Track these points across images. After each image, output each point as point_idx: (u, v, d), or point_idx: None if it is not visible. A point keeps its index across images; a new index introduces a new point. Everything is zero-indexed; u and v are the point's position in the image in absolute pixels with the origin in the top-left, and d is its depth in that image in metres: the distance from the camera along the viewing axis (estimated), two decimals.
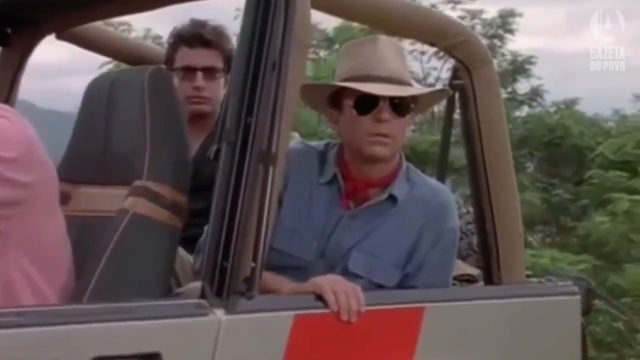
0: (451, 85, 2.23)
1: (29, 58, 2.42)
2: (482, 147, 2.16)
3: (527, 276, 2.32)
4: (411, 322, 1.90)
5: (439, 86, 6.75)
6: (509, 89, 10.44)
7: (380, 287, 2.01)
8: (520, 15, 10.74)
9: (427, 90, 2.25)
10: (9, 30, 2.30)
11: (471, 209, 2.41)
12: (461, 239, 2.33)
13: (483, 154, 2.16)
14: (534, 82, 10.77)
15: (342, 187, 2.05)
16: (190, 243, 1.97)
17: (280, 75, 1.66)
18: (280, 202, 1.96)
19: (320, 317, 1.75)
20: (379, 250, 2.02)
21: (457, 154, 4.80)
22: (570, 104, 10.54)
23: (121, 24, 9.61)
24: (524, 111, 10.74)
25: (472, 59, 2.15)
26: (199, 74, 2.41)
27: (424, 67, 10.67)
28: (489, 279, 2.21)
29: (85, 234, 1.80)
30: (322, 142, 2.16)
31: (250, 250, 1.63)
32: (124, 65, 2.80)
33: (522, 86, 10.76)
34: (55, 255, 1.68)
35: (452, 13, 9.32)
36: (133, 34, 9.54)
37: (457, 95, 2.23)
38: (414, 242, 2.04)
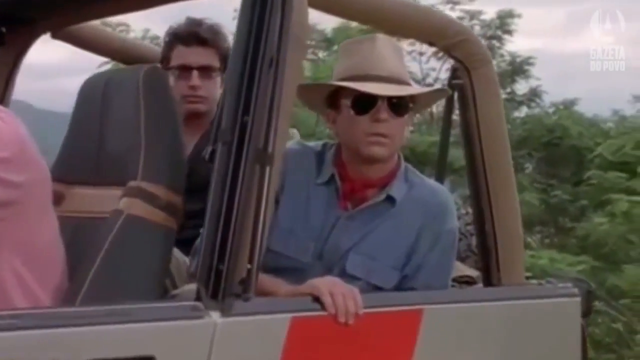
0: (450, 85, 2.21)
1: (24, 57, 2.40)
2: (481, 147, 2.14)
3: (527, 278, 2.31)
4: (409, 325, 1.88)
5: (437, 86, 6.74)
6: (508, 90, 10.46)
7: (378, 289, 2.00)
8: (519, 16, 10.78)
9: (426, 89, 2.23)
10: (3, 29, 2.28)
11: (470, 210, 2.39)
12: (460, 240, 2.31)
13: (482, 154, 2.14)
14: (533, 82, 10.81)
15: (340, 188, 2.04)
16: (185, 245, 1.95)
17: (277, 74, 1.64)
18: (277, 203, 1.95)
19: (318, 319, 1.73)
20: (377, 251, 2.01)
21: (456, 154, 4.79)
22: (569, 104, 10.56)
23: (119, 24, 9.62)
24: (522, 112, 10.78)
25: (472, 59, 2.13)
26: (195, 73, 2.40)
27: (422, 68, 10.69)
28: (488, 281, 2.19)
29: (79, 234, 1.79)
30: (320, 142, 2.15)
31: (246, 251, 1.61)
32: (122, 66, 2.78)
33: (521, 87, 10.80)
34: (48, 256, 1.67)
35: (451, 14, 9.31)
36: (131, 35, 9.54)
37: (456, 95, 2.21)
38: (413, 243, 2.02)
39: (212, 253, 1.61)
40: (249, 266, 1.61)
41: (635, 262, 6.45)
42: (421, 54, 10.47)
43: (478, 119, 2.14)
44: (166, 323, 1.55)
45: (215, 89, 2.43)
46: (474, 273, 2.36)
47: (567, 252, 7.35)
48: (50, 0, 2.15)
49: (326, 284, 1.76)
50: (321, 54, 10.70)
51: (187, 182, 1.84)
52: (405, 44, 9.12)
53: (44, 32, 2.32)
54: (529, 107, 10.81)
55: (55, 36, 2.38)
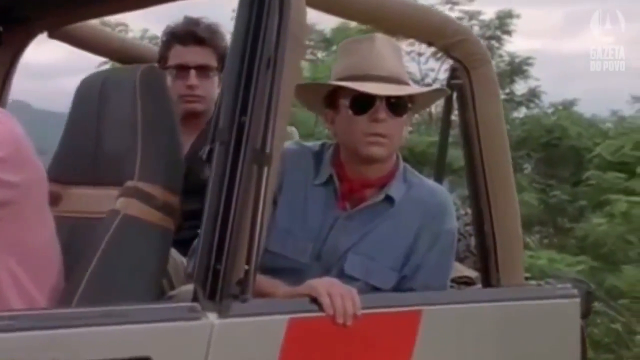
0: (449, 85, 2.20)
1: (21, 57, 2.39)
2: (480, 147, 2.13)
3: (526, 278, 2.30)
4: (408, 326, 1.87)
5: (436, 86, 6.74)
6: (507, 90, 10.47)
7: (376, 289, 1.99)
8: (518, 16, 10.79)
9: (425, 89, 2.22)
10: (0, 29, 2.27)
11: (469, 210, 2.39)
12: (459, 240, 2.31)
13: (481, 154, 2.13)
14: (532, 83, 10.82)
15: (338, 188, 2.03)
16: (183, 245, 1.94)
17: (275, 73, 1.63)
18: (274, 204, 1.94)
19: (316, 320, 1.72)
20: (376, 252, 2.00)
21: (455, 155, 4.78)
22: (568, 105, 10.57)
23: (118, 24, 9.62)
24: (521, 112, 10.79)
25: (471, 59, 2.12)
26: (192, 72, 2.38)
27: (421, 69, 10.70)
28: (487, 282, 2.18)
29: (75, 235, 1.78)
30: (318, 143, 2.14)
31: (243, 252, 1.60)
32: (120, 66, 2.77)
33: (520, 87, 10.81)
34: (44, 256, 1.66)
35: (450, 14, 9.31)
36: (130, 35, 9.53)
37: (455, 95, 2.20)
38: (411, 244, 2.02)
39: (209, 254, 1.60)
40: (246, 267, 1.60)
41: (634, 263, 6.45)
42: (420, 54, 10.48)
43: (477, 119, 2.13)
44: (163, 324, 1.53)
45: (212, 88, 2.42)
46: (472, 274, 2.36)
47: (566, 252, 7.35)
48: None
49: (324, 285, 1.75)
50: (320, 54, 10.71)
51: (184, 182, 1.83)
52: (404, 45, 9.12)
53: (41, 31, 2.31)
54: (527, 107, 10.83)
55: (52, 35, 2.36)
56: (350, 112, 1.98)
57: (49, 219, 1.68)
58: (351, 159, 2.02)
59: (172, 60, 2.41)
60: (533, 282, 2.34)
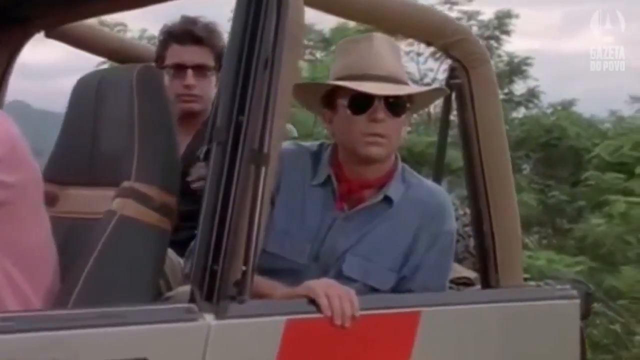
0: (448, 84, 2.19)
1: (17, 57, 2.38)
2: (479, 147, 2.12)
3: (525, 279, 2.29)
4: (407, 327, 1.86)
5: (435, 86, 6.72)
6: (506, 90, 10.48)
7: (375, 290, 1.98)
8: (517, 16, 10.79)
9: (424, 89, 2.21)
10: None
11: (468, 211, 2.38)
12: (458, 241, 2.30)
13: (480, 154, 2.12)
14: (531, 83, 10.83)
15: (336, 189, 2.02)
16: (180, 246, 1.93)
17: (273, 73, 1.62)
18: (272, 204, 1.93)
19: (313, 322, 1.71)
20: (374, 253, 1.99)
21: (454, 155, 4.78)
22: (567, 105, 10.58)
23: (117, 24, 9.61)
24: (520, 113, 10.79)
25: (470, 58, 2.11)
26: (190, 72, 2.38)
27: (420, 69, 10.71)
28: (486, 282, 2.17)
29: (72, 236, 1.76)
30: (316, 143, 2.13)
31: (241, 253, 1.59)
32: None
33: (519, 87, 10.82)
34: (40, 257, 1.65)
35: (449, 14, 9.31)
36: (128, 35, 9.53)
37: (454, 95, 2.19)
38: (410, 244, 2.01)
39: (206, 254, 1.59)
40: (244, 268, 1.59)
41: (633, 263, 6.44)
42: (419, 54, 10.49)
43: (476, 119, 2.12)
44: (160, 325, 1.52)
45: (210, 88, 2.41)
46: (471, 274, 2.35)
47: (565, 253, 7.35)
48: None
49: (322, 286, 1.74)
50: (319, 54, 10.72)
51: (180, 182, 1.82)
52: (403, 45, 9.12)
53: (38, 31, 2.30)
54: (526, 107, 10.85)
55: (49, 35, 2.35)
56: (348, 111, 1.97)
57: (45, 220, 1.67)
58: (349, 159, 2.01)
59: (170, 60, 2.40)
60: (532, 283, 2.33)
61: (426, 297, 1.98)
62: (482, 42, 2.41)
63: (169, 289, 1.90)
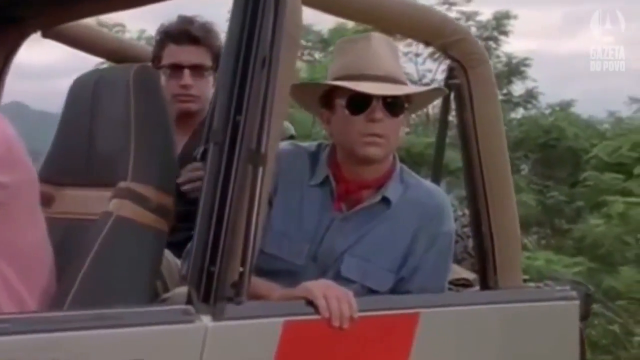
0: (447, 84, 2.18)
1: (14, 57, 2.37)
2: (478, 147, 2.12)
3: (524, 280, 2.28)
4: (405, 329, 1.86)
5: (434, 86, 6.72)
6: (504, 91, 10.48)
7: (373, 292, 1.97)
8: (515, 17, 10.79)
9: (422, 89, 2.20)
10: None
11: (467, 211, 2.37)
12: (456, 242, 2.29)
13: (479, 154, 2.12)
14: (529, 84, 10.83)
15: (334, 189, 2.01)
16: (178, 247, 1.92)
17: (271, 72, 1.61)
18: (270, 205, 1.92)
19: (311, 323, 1.70)
20: (373, 254, 1.98)
21: (452, 156, 4.77)
22: (565, 106, 10.58)
23: (115, 25, 9.60)
24: (519, 113, 10.79)
25: (469, 58, 2.11)
26: (187, 72, 2.37)
27: (418, 69, 10.69)
28: (485, 284, 2.17)
29: (68, 236, 1.76)
30: (314, 143, 2.12)
31: (238, 254, 1.58)
32: None
33: (517, 88, 10.82)
34: (35, 258, 1.64)
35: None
36: (127, 35, 9.52)
37: (452, 95, 2.18)
38: (409, 245, 2.00)
39: (203, 255, 1.58)
40: (241, 269, 1.58)
41: (631, 264, 6.44)
42: (417, 55, 10.48)
43: (475, 119, 2.12)
44: (156, 327, 1.51)
45: (207, 87, 2.40)
46: (470, 276, 2.34)
47: (564, 253, 7.34)
48: None
49: (320, 287, 1.73)
50: (317, 55, 10.71)
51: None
52: (402, 45, 9.12)
53: (34, 31, 2.28)
54: (525, 108, 10.84)
55: (45, 35, 2.34)
56: (346, 112, 1.96)
57: (40, 220, 1.66)
58: (348, 159, 2.01)
59: (166, 60, 2.39)
60: (531, 284, 2.32)
61: (425, 298, 1.97)
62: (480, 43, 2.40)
63: (166, 290, 1.89)
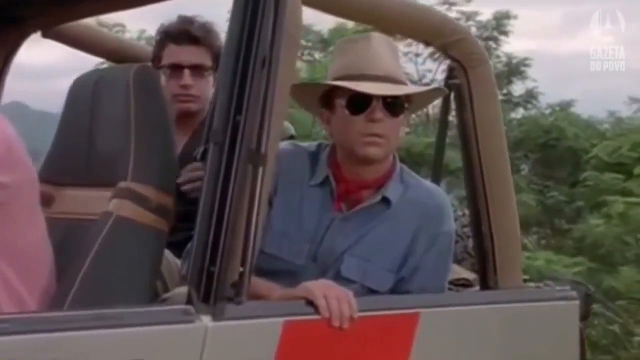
0: (447, 84, 2.18)
1: (14, 57, 2.36)
2: (478, 147, 2.12)
3: (525, 280, 2.28)
4: (405, 328, 1.85)
5: (434, 86, 6.71)
6: (504, 91, 10.48)
7: (373, 292, 1.97)
8: (515, 17, 10.78)
9: (422, 89, 2.20)
10: None
11: (466, 211, 2.37)
12: (456, 242, 2.29)
13: (479, 154, 2.12)
14: (529, 84, 10.82)
15: (334, 189, 2.01)
16: (178, 247, 1.92)
17: (271, 72, 1.61)
18: (270, 205, 1.92)
19: (311, 323, 1.70)
20: (373, 254, 1.98)
21: (452, 156, 4.76)
22: (565, 106, 10.58)
23: (115, 25, 9.60)
24: (519, 113, 10.79)
25: (469, 58, 2.10)
26: (187, 72, 2.36)
27: (418, 69, 10.69)
28: (485, 284, 2.16)
29: (68, 236, 1.76)
30: (314, 143, 2.12)
31: (238, 254, 1.58)
32: None
33: (517, 88, 10.82)
34: (35, 258, 1.64)
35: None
36: (127, 35, 9.52)
37: (452, 95, 2.18)
38: (409, 245, 2.00)
39: (203, 255, 1.58)
40: (241, 269, 1.58)
41: (631, 264, 6.44)
42: (417, 55, 10.47)
43: (475, 119, 2.12)
44: (156, 327, 1.51)
45: (207, 87, 2.40)
46: (470, 276, 2.34)
47: (564, 253, 7.34)
48: None
49: (320, 287, 1.73)
50: (317, 55, 10.71)
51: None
52: (402, 45, 9.12)
53: (34, 31, 2.28)
54: (525, 108, 10.84)
55: (45, 35, 2.34)
56: (346, 112, 1.96)
57: (40, 220, 1.66)
58: (348, 159, 2.01)
59: (166, 60, 2.39)
60: (531, 284, 2.32)
61: (425, 298, 1.97)
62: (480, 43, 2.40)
63: (166, 290, 1.89)
